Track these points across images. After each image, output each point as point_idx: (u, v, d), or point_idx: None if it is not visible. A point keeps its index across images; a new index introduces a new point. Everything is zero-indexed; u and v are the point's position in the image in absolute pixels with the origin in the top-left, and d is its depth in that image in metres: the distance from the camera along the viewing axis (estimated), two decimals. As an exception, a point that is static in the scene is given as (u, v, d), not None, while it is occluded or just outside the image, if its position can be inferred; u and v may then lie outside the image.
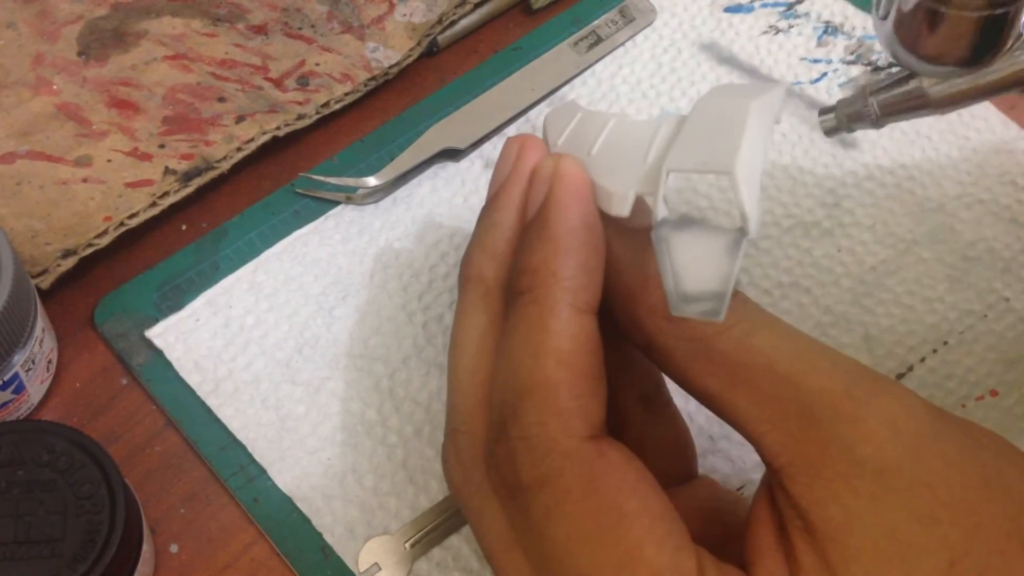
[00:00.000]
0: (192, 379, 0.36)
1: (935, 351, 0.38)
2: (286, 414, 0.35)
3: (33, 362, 0.34)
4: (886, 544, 0.23)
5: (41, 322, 0.34)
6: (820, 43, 0.45)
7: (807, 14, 0.46)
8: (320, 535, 0.34)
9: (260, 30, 0.42)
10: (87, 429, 0.33)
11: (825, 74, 0.44)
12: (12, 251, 0.31)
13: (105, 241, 0.36)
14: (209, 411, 0.35)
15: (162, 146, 0.38)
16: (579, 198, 0.27)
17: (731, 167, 0.23)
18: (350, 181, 0.40)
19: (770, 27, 0.46)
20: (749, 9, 0.46)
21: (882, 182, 0.42)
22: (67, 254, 0.36)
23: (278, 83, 0.41)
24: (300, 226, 0.39)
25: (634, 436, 0.29)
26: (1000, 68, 0.34)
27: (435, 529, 0.34)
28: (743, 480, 0.36)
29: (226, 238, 0.39)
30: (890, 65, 0.44)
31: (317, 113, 0.40)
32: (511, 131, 0.42)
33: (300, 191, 0.40)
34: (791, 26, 0.46)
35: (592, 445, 0.25)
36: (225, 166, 0.38)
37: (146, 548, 0.31)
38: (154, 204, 0.37)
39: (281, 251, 0.38)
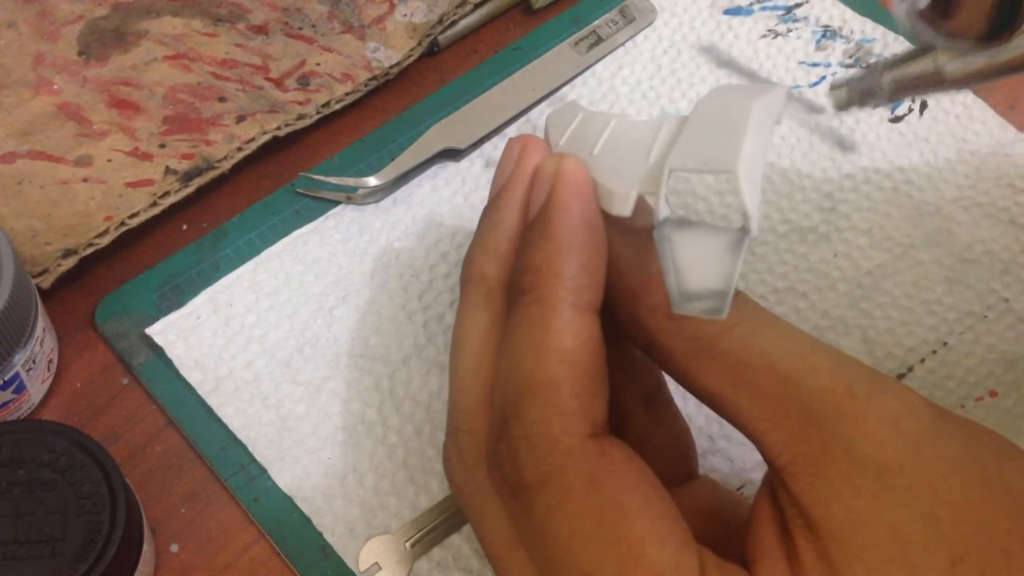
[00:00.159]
0: (192, 378, 0.36)
1: (934, 352, 0.38)
2: (286, 413, 0.35)
3: (34, 362, 0.34)
4: (888, 543, 0.23)
5: (42, 322, 0.34)
6: (819, 47, 0.45)
7: (806, 18, 0.46)
8: (320, 535, 0.34)
9: (261, 30, 0.42)
10: (88, 429, 0.33)
11: (824, 77, 0.45)
12: (13, 251, 0.31)
13: (106, 241, 0.36)
14: (209, 411, 0.35)
15: (163, 146, 0.38)
16: (581, 198, 0.27)
17: (734, 166, 0.23)
18: (350, 181, 0.40)
19: (769, 31, 0.46)
20: (748, 12, 0.46)
21: (879, 186, 0.42)
22: (67, 254, 0.36)
23: (279, 83, 0.41)
24: (300, 226, 0.39)
25: (635, 436, 0.29)
26: (1019, 46, 0.34)
27: (435, 529, 0.34)
28: (743, 480, 0.36)
29: (226, 238, 0.39)
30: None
31: (318, 113, 0.40)
32: (511, 131, 0.42)
33: (300, 191, 0.40)
34: (790, 30, 0.46)
35: (594, 443, 0.25)
36: (226, 166, 0.38)
37: (147, 548, 0.31)
38: (155, 204, 0.37)
39: (281, 250, 0.38)
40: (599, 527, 0.24)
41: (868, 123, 0.43)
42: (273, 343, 0.37)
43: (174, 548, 0.34)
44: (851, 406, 0.24)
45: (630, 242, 0.27)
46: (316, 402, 0.36)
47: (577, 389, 0.25)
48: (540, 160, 0.28)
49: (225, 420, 0.35)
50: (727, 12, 0.46)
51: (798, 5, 0.46)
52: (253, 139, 0.39)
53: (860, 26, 0.46)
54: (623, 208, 0.26)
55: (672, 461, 0.30)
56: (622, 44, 0.45)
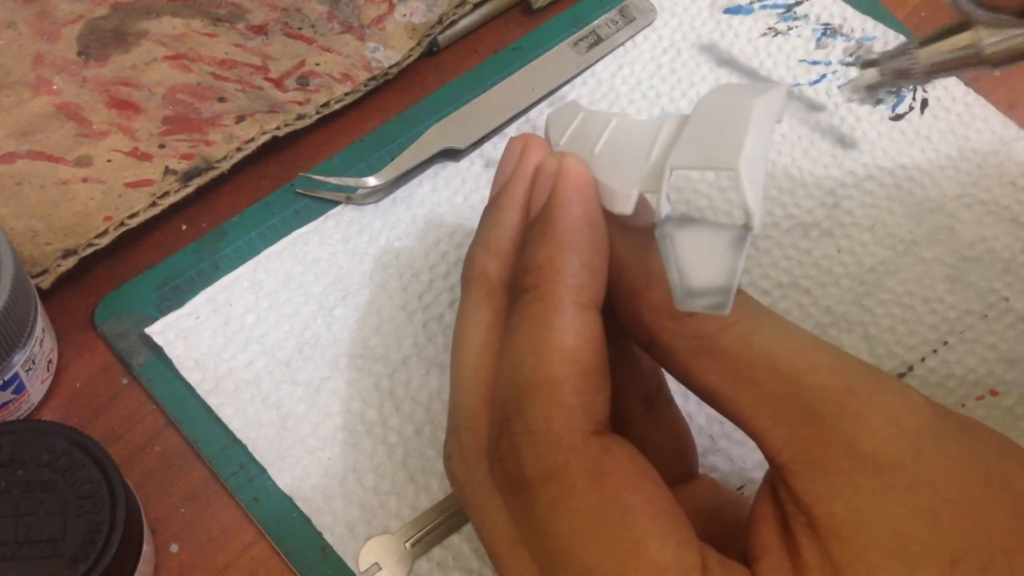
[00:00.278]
0: (192, 377, 0.36)
1: (935, 351, 0.38)
2: (286, 413, 0.35)
3: (33, 362, 0.34)
4: (889, 540, 0.23)
5: (41, 322, 0.34)
6: (819, 45, 0.45)
7: (806, 16, 0.46)
8: (320, 534, 0.34)
9: (260, 30, 0.42)
10: (87, 429, 0.33)
11: (824, 76, 0.44)
12: (12, 251, 0.31)
13: (105, 241, 0.36)
14: (209, 411, 0.35)
15: (162, 146, 0.38)
16: (583, 196, 0.27)
17: (735, 164, 0.23)
18: (350, 181, 0.40)
19: (769, 29, 0.46)
20: (748, 11, 0.46)
21: (882, 182, 0.42)
22: (67, 254, 0.36)
23: (278, 83, 0.41)
24: (300, 226, 0.39)
25: (636, 435, 0.29)
26: None
27: (435, 528, 0.34)
28: (743, 480, 0.36)
29: (226, 238, 0.39)
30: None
31: (317, 113, 0.40)
32: (511, 131, 0.42)
33: (300, 191, 0.40)
34: (790, 28, 0.46)
35: (596, 440, 0.25)
36: (225, 166, 0.38)
37: (146, 548, 0.31)
38: (154, 204, 0.37)
39: (281, 250, 0.38)
40: (601, 524, 0.24)
41: (869, 121, 0.43)
42: (273, 343, 0.37)
43: (174, 548, 0.34)
44: (852, 404, 0.24)
45: (631, 240, 0.27)
46: (316, 402, 0.36)
47: (579, 386, 0.25)
48: (541, 159, 0.28)
49: (225, 420, 0.35)
50: (727, 11, 0.46)
51: (798, 3, 0.46)
52: (253, 139, 0.39)
53: (860, 24, 0.46)
54: (625, 207, 0.26)
55: (673, 460, 0.30)
56: (622, 44, 0.45)
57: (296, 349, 0.37)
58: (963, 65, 0.33)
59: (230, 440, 0.35)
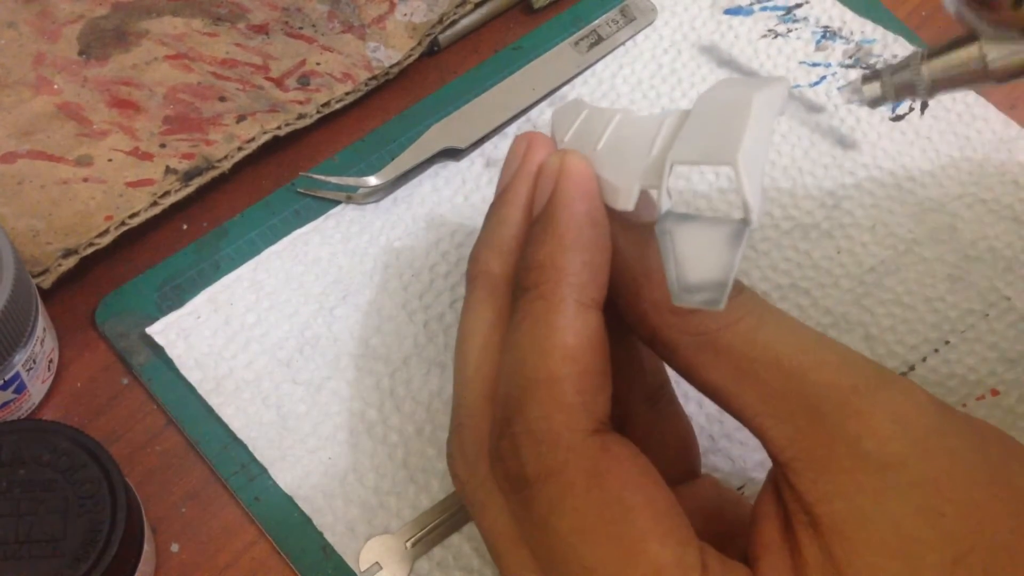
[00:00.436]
0: (193, 377, 0.36)
1: (936, 350, 0.38)
2: (287, 413, 0.35)
3: (34, 361, 0.33)
4: (890, 539, 0.23)
5: (42, 321, 0.34)
6: (818, 47, 0.45)
7: (805, 18, 0.46)
8: (321, 534, 0.34)
9: (261, 30, 0.42)
10: (88, 428, 0.33)
11: (824, 77, 0.44)
12: (13, 250, 0.31)
13: (106, 240, 0.36)
14: (210, 410, 0.35)
15: (163, 145, 0.38)
16: (584, 194, 0.27)
17: (733, 158, 0.23)
18: (351, 180, 0.40)
19: (769, 31, 0.46)
20: (748, 12, 0.46)
21: (882, 183, 0.42)
22: (68, 253, 0.36)
23: (279, 82, 0.41)
24: (301, 225, 0.39)
25: (638, 434, 0.29)
26: None
27: (436, 528, 0.34)
28: (743, 480, 0.36)
29: (227, 237, 0.39)
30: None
31: (318, 112, 0.40)
32: (512, 130, 0.42)
33: (301, 190, 0.40)
34: (790, 30, 0.46)
35: (597, 439, 0.25)
36: (226, 165, 0.38)
37: (147, 547, 0.31)
38: (155, 203, 0.37)
39: (282, 250, 0.38)
40: (601, 523, 0.24)
41: (869, 122, 0.43)
42: (274, 343, 0.37)
43: (175, 548, 0.34)
44: (856, 402, 0.24)
45: (634, 237, 0.27)
46: (316, 402, 0.36)
47: (580, 385, 0.25)
48: (545, 157, 0.28)
49: (225, 420, 0.35)
50: (727, 12, 0.46)
51: (798, 6, 0.46)
52: (253, 139, 0.39)
53: (860, 27, 0.46)
54: (626, 203, 0.26)
55: (675, 459, 0.30)
56: (622, 43, 0.45)
57: (297, 349, 0.37)
58: (969, 80, 0.33)
59: (231, 440, 0.35)
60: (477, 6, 0.44)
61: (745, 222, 0.23)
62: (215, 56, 0.41)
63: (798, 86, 0.44)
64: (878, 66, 0.39)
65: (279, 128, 0.39)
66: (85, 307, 0.37)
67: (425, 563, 0.33)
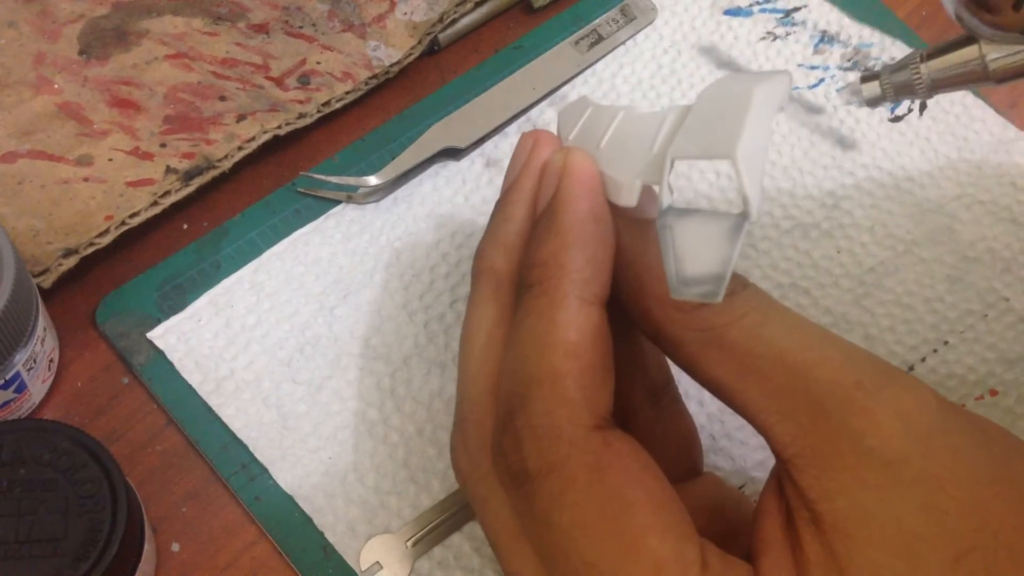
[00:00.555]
0: (193, 379, 0.36)
1: (935, 351, 0.38)
2: (287, 413, 0.35)
3: (34, 361, 0.33)
4: (892, 536, 0.23)
5: (42, 321, 0.34)
6: (816, 51, 0.45)
7: (804, 22, 0.46)
8: (321, 534, 0.34)
9: (261, 29, 0.42)
10: (89, 428, 0.33)
11: (823, 80, 0.45)
12: (13, 250, 0.31)
13: (106, 240, 0.36)
14: (210, 410, 0.35)
15: (163, 145, 0.38)
16: (588, 191, 0.27)
17: (732, 152, 0.23)
18: (351, 180, 0.40)
19: (768, 33, 0.46)
20: (748, 13, 0.46)
21: (881, 183, 0.42)
22: (68, 253, 0.36)
23: (279, 82, 0.41)
24: (301, 225, 0.39)
25: (641, 430, 0.29)
26: None
27: (437, 528, 0.34)
28: (744, 479, 0.36)
29: (227, 237, 0.39)
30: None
31: (318, 112, 0.40)
32: (512, 130, 0.42)
33: (301, 190, 0.40)
34: (788, 33, 0.46)
35: (598, 435, 0.25)
36: (226, 165, 0.38)
37: (148, 547, 0.31)
38: (155, 203, 0.37)
39: (282, 250, 0.38)
40: (601, 518, 0.24)
41: (868, 123, 0.43)
42: (274, 343, 0.37)
43: (175, 547, 0.34)
44: (860, 399, 0.24)
45: (638, 233, 0.27)
46: (317, 401, 0.36)
47: (582, 381, 0.25)
48: (550, 154, 0.28)
49: (226, 419, 0.35)
50: (727, 12, 0.46)
51: (796, 9, 0.46)
52: (254, 138, 0.39)
53: (857, 32, 0.46)
54: (629, 199, 0.26)
55: (677, 456, 0.30)
56: (623, 43, 0.45)
57: (297, 349, 0.37)
58: (968, 80, 0.33)
59: (231, 439, 0.35)
60: (477, 5, 0.44)
61: (744, 215, 0.23)
62: (215, 55, 0.41)
63: (797, 88, 0.44)
64: (876, 67, 0.39)
65: (279, 127, 0.39)
66: (85, 307, 0.37)
67: (426, 563, 0.33)
